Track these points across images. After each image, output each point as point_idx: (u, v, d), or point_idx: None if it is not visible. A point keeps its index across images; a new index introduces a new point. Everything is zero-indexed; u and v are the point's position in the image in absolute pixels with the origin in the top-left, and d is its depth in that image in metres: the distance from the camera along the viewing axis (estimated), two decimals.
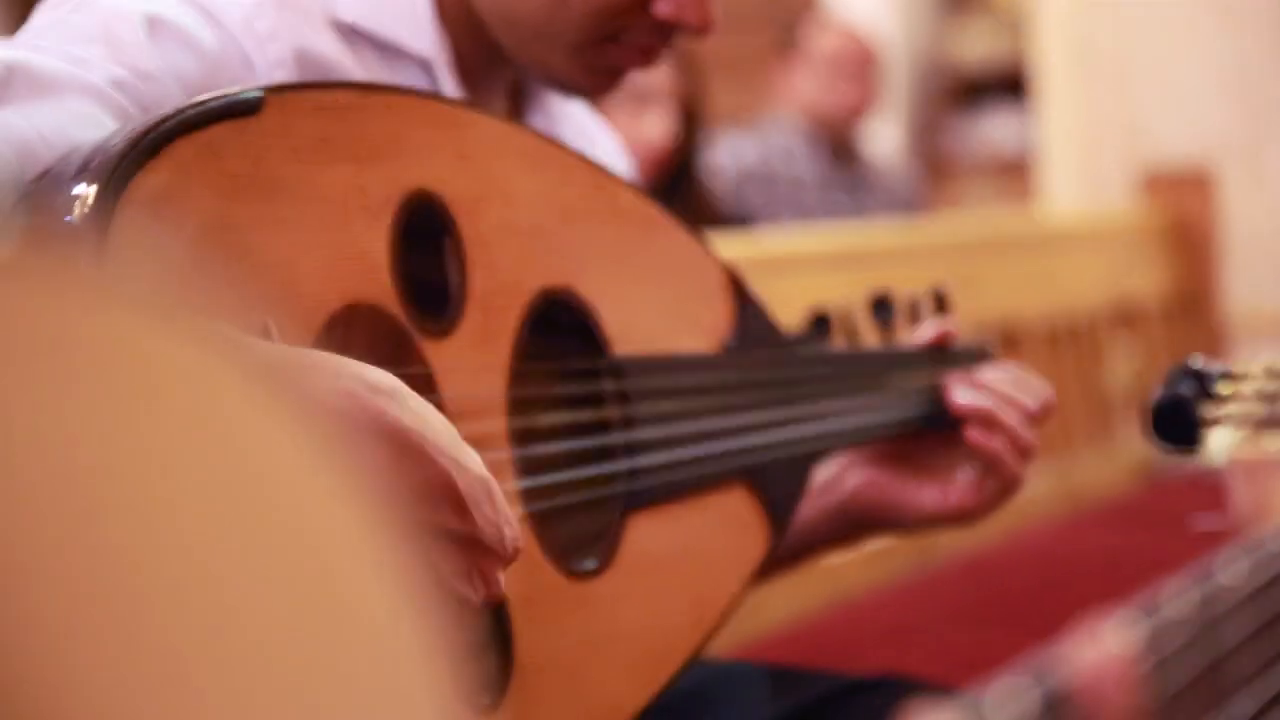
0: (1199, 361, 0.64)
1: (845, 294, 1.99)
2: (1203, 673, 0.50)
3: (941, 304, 1.35)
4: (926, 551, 2.25)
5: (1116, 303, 2.85)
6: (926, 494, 1.26)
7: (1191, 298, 3.06)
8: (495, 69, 1.15)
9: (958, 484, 1.25)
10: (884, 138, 4.86)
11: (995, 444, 1.23)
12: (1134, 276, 2.91)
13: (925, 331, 1.31)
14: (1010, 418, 1.24)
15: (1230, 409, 0.61)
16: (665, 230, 1.13)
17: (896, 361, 1.28)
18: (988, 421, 1.24)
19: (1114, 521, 2.52)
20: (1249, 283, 3.46)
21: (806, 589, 2.01)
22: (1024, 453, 1.24)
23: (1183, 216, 3.05)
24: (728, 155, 3.59)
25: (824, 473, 1.32)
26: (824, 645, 1.92)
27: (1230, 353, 3.08)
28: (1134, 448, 2.81)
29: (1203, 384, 0.62)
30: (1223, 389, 0.62)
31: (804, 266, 2.07)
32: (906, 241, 2.37)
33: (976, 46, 6.47)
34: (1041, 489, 2.49)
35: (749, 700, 1.23)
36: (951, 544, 2.29)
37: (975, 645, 1.90)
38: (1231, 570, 0.55)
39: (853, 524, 1.32)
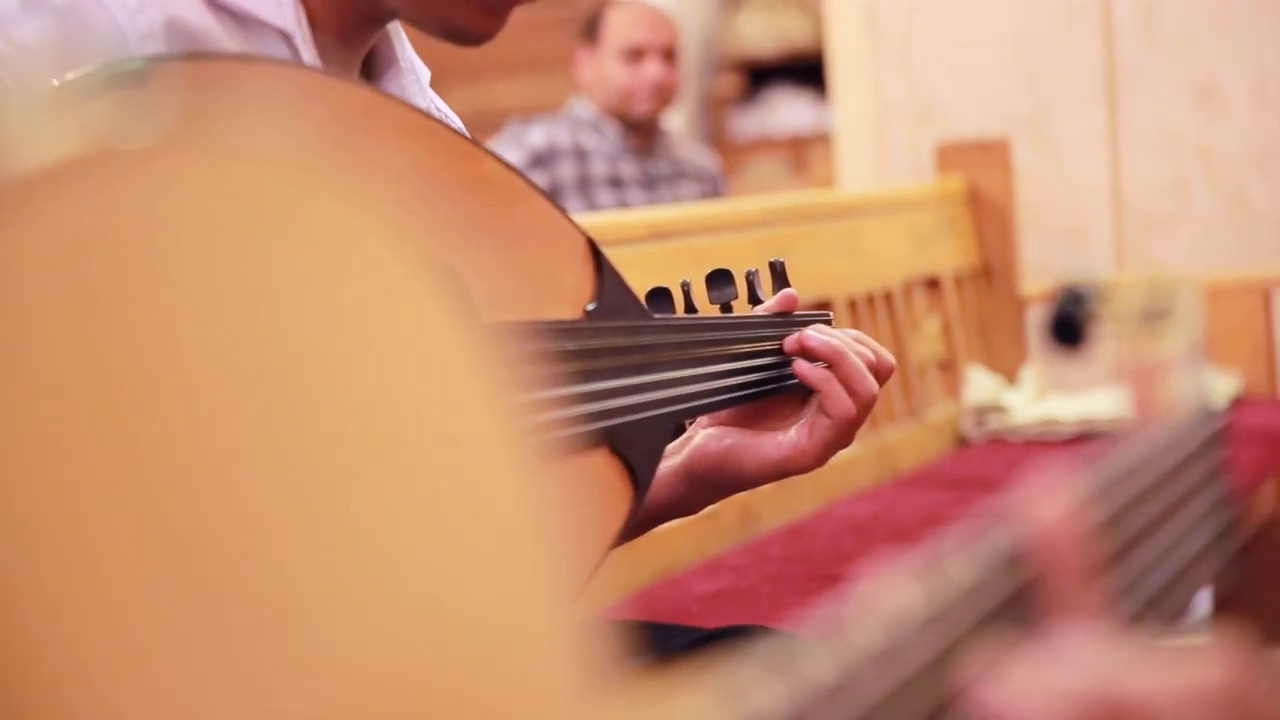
0: (1081, 278, 0.69)
1: (657, 268, 2.02)
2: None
3: (779, 275, 1.39)
4: (750, 521, 2.30)
5: (920, 275, 2.93)
6: (765, 443, 1.29)
7: (990, 267, 3.16)
8: (350, 39, 1.16)
9: (792, 428, 1.29)
10: (669, 122, 4.91)
11: (820, 373, 1.27)
12: (935, 248, 2.99)
13: (770, 301, 1.35)
14: (845, 362, 1.28)
15: (1114, 310, 0.66)
16: (527, 198, 1.15)
17: (744, 328, 1.31)
18: (824, 356, 1.28)
19: (926, 485, 2.61)
20: (1039, 251, 3.58)
21: (634, 560, 2.04)
22: (857, 393, 1.27)
23: (978, 187, 3.15)
24: (511, 143, 3.60)
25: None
26: (657, 612, 1.95)
27: (1026, 319, 3.19)
28: (943, 414, 2.90)
29: (1088, 297, 0.67)
30: (1104, 300, 0.67)
31: (610, 243, 2.10)
32: (713, 217, 2.41)
33: (759, 31, 6.56)
34: (856, 456, 2.55)
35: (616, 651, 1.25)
36: (773, 513, 2.34)
37: (803, 605, 1.95)
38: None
39: (698, 482, 1.34)
